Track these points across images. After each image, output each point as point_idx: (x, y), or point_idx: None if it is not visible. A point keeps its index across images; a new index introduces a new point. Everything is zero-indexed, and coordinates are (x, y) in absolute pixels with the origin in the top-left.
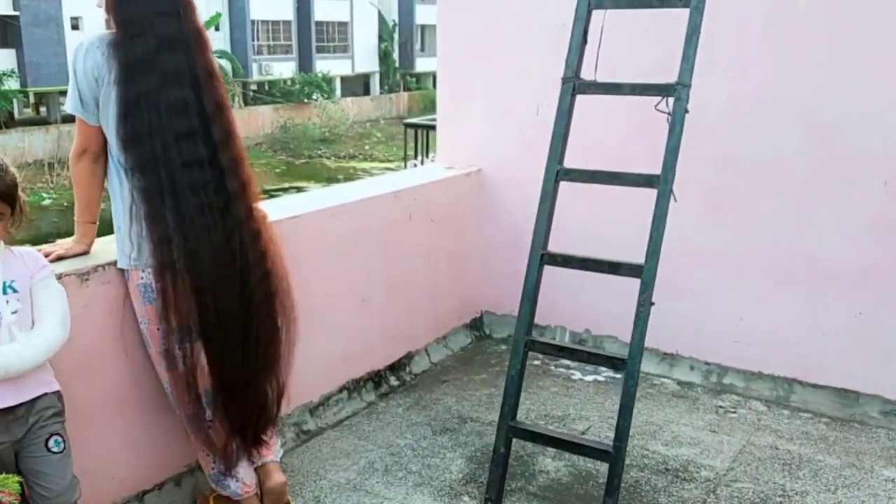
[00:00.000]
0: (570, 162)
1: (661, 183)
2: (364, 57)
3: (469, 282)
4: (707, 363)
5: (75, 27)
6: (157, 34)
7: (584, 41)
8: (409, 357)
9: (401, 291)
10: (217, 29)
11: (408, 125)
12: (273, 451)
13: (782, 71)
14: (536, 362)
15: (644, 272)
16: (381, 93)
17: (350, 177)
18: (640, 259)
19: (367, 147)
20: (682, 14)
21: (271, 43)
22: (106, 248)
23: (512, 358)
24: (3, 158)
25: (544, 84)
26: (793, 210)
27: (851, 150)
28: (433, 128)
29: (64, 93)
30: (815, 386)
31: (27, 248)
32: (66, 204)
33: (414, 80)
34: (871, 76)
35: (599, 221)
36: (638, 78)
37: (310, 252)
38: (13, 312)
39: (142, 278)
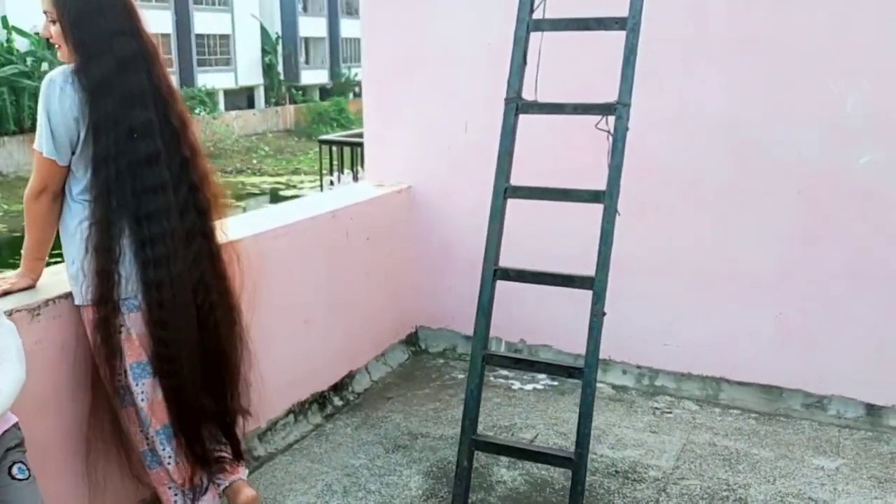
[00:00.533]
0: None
1: (606, 198)
2: (247, 70)
3: (404, 297)
4: (639, 366)
5: None
6: (115, 54)
7: (524, 62)
8: (350, 376)
9: (341, 310)
10: None
11: (322, 141)
12: (239, 471)
13: (701, 87)
14: None
15: (595, 284)
16: (266, 106)
17: (239, 193)
18: (578, 270)
19: (254, 161)
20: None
21: None
22: (53, 281)
23: (470, 372)
24: None
25: (472, 102)
26: (714, 218)
27: (768, 161)
28: (348, 144)
29: None
30: (741, 383)
31: None
32: None
33: (300, 92)
34: (785, 94)
35: (533, 234)
36: (574, 97)
37: (253, 275)
38: None
39: (93, 314)
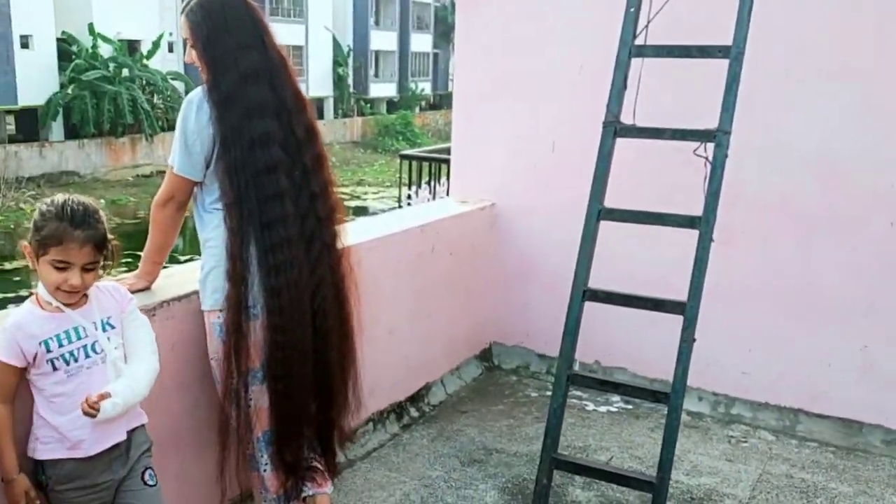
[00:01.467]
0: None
1: (702, 224)
2: (319, 81)
3: (480, 313)
4: (715, 394)
5: (25, 45)
6: (239, 69)
7: (625, 87)
8: (427, 388)
9: (422, 322)
10: (171, 51)
11: (403, 157)
12: (326, 486)
13: (796, 116)
14: (547, 393)
15: (687, 310)
16: (334, 117)
17: None
18: (657, 293)
19: None
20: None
21: None
22: (166, 284)
23: (555, 391)
24: (98, 206)
25: (559, 123)
26: (802, 247)
27: (859, 192)
28: (427, 160)
29: (10, 112)
30: (819, 416)
31: (111, 283)
32: (12, 226)
33: (368, 105)
34: (881, 125)
35: (616, 256)
36: (667, 121)
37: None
38: (116, 348)
39: (218, 317)
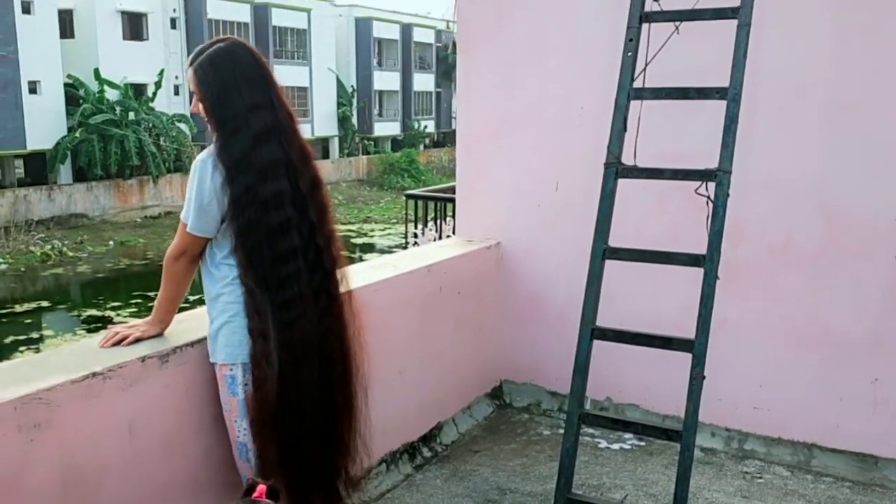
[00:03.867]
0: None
1: (707, 262)
2: (323, 121)
3: (489, 352)
4: (728, 429)
5: (33, 91)
6: (252, 129)
7: (625, 128)
8: (438, 428)
9: (432, 362)
10: (177, 93)
11: (409, 196)
12: None
13: (796, 151)
14: (560, 430)
15: (695, 347)
16: (340, 156)
17: None
18: (667, 330)
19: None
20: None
21: None
22: (178, 329)
23: (567, 430)
24: None
25: (562, 163)
26: (807, 281)
27: (862, 225)
28: (433, 199)
29: (19, 156)
30: (834, 450)
31: None
32: (22, 269)
33: (372, 143)
34: (880, 159)
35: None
36: (667, 160)
37: (355, 327)
38: None
39: (231, 370)
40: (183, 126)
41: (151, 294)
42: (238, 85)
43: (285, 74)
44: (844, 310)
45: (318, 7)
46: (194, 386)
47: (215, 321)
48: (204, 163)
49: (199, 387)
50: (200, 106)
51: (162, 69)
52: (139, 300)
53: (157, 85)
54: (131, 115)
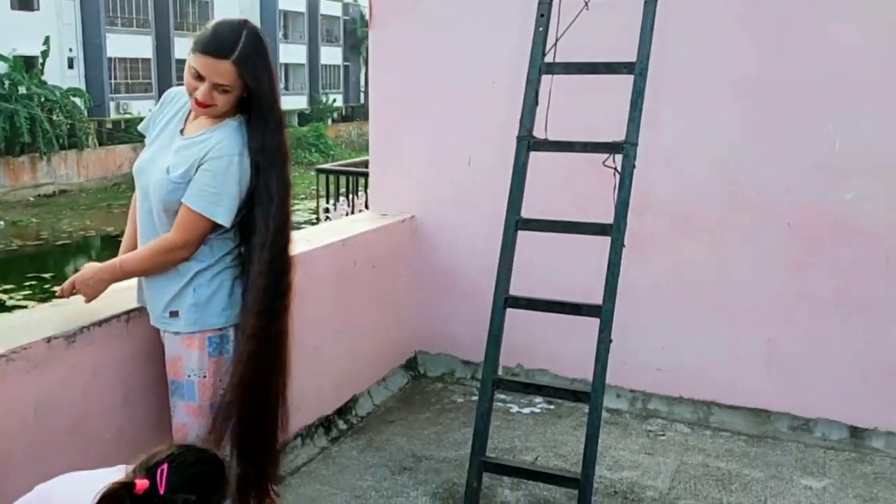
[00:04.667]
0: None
1: (614, 231)
2: None
3: (404, 323)
4: (632, 391)
5: None
6: (281, 121)
7: (536, 102)
8: (354, 400)
9: (347, 336)
10: (71, 66)
11: (319, 171)
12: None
13: (698, 127)
14: (473, 398)
15: (603, 312)
16: None
17: None
18: (577, 298)
19: None
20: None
21: (130, 81)
22: (84, 308)
23: (481, 396)
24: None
25: (476, 137)
26: (707, 250)
27: (760, 196)
28: (345, 173)
29: None
30: (731, 407)
31: None
32: None
33: None
34: (777, 134)
35: (537, 263)
36: (579, 135)
37: None
38: None
39: (221, 331)
40: (77, 100)
41: (46, 276)
42: (275, 75)
43: (187, 47)
44: (741, 275)
45: None
46: (102, 366)
47: (203, 289)
48: (241, 157)
49: (108, 367)
50: (224, 97)
51: (47, 36)
52: (33, 282)
53: (45, 55)
54: (21, 90)
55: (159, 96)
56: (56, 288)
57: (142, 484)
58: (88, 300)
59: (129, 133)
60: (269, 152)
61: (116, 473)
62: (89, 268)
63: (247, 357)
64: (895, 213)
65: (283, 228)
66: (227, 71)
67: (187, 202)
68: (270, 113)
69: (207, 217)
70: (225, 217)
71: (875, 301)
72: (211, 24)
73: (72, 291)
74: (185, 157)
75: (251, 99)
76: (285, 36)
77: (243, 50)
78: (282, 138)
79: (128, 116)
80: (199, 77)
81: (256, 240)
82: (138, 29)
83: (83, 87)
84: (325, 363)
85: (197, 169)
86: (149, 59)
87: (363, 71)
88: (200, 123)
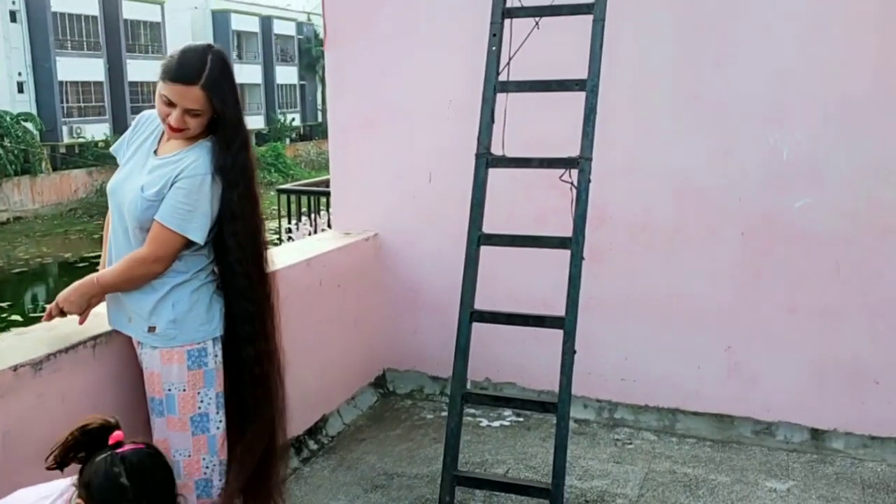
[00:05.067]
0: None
1: (573, 245)
2: None
3: (371, 341)
4: (598, 400)
5: None
6: (242, 138)
7: (492, 120)
8: (324, 420)
9: (315, 356)
10: (21, 91)
11: (281, 191)
12: None
13: (650, 140)
14: (442, 414)
15: (566, 323)
16: None
17: None
18: (542, 310)
19: None
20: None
21: (82, 104)
22: (48, 336)
23: (450, 411)
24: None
25: (435, 154)
26: (664, 260)
27: (712, 206)
28: (305, 193)
29: None
30: (695, 413)
31: None
32: None
33: None
34: (727, 145)
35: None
36: (535, 151)
37: None
38: None
39: (200, 345)
40: (29, 125)
41: (3, 305)
42: (240, 96)
43: (140, 70)
44: (699, 284)
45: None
46: (71, 392)
47: (181, 304)
48: (212, 177)
49: (77, 393)
50: (196, 121)
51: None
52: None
53: (20, 89)
54: None
55: (113, 119)
56: (14, 316)
57: (118, 434)
58: (81, 317)
59: (83, 157)
60: (231, 171)
61: (67, 482)
62: (69, 287)
63: (259, 379)
64: (844, 220)
65: (251, 245)
66: (196, 96)
67: (160, 219)
68: (236, 133)
69: (180, 234)
70: (198, 234)
71: (828, 306)
72: (177, 51)
73: (59, 312)
74: (159, 176)
75: (218, 120)
76: (239, 56)
77: (210, 74)
78: (247, 157)
79: (81, 140)
80: (171, 104)
81: (229, 257)
82: (89, 52)
83: (34, 111)
84: (293, 384)
85: (170, 187)
86: (101, 82)
87: (320, 89)
88: (174, 144)
